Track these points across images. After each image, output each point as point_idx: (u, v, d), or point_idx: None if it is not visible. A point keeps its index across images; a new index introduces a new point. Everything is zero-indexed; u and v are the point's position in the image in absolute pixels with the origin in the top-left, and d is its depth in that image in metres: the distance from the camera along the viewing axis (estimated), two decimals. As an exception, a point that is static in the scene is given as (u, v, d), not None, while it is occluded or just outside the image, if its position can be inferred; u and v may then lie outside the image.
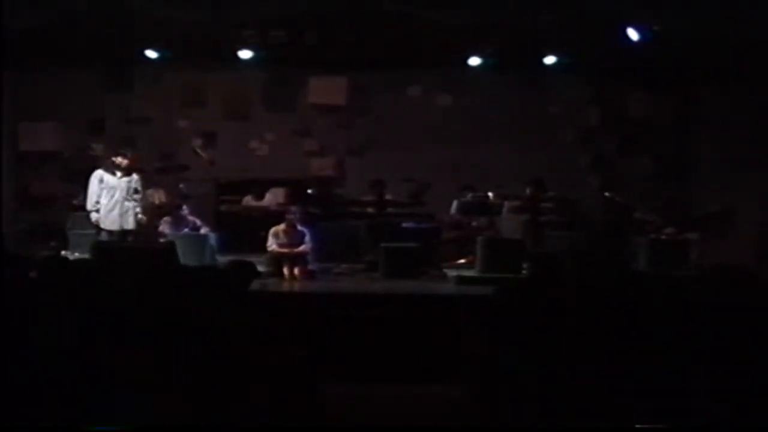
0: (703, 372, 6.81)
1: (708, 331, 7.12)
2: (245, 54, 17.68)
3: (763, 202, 16.77)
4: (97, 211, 13.96)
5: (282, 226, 14.45)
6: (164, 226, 15.36)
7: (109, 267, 9.93)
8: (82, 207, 15.65)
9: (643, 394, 6.68)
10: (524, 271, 13.45)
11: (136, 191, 14.18)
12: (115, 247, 13.54)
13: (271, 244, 14.31)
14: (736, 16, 14.39)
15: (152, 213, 15.50)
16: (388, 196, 16.19)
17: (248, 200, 17.51)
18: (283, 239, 14.31)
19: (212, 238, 15.13)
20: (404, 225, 15.93)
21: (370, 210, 16.19)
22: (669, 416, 6.57)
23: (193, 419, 6.20)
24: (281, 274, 13.85)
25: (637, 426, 6.53)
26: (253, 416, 6.47)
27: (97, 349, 6.51)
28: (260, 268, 13.00)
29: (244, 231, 15.91)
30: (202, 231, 15.31)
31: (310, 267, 14.17)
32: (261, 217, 16.33)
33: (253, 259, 11.09)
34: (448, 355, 9.08)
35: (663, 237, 15.48)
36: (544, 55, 18.09)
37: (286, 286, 13.32)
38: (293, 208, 15.04)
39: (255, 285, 8.76)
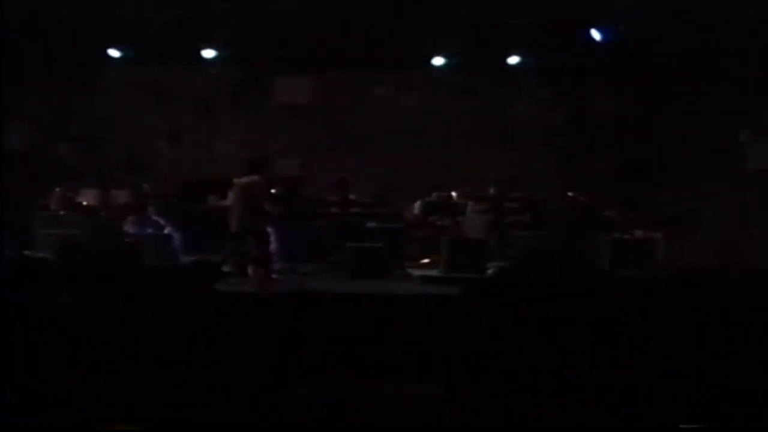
0: (669, 368, 6.88)
1: (672, 329, 7.20)
2: (209, 53, 17.65)
3: (727, 202, 16.90)
4: None
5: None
6: (128, 226, 15.26)
7: (73, 267, 9.88)
8: (47, 206, 15.60)
9: (610, 392, 6.75)
10: (489, 271, 13.50)
11: None
12: (79, 247, 13.44)
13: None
14: (698, 16, 14.51)
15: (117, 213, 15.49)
16: (352, 196, 16.19)
17: (213, 200, 17.42)
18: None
19: (176, 239, 15.06)
20: (369, 225, 15.92)
21: (334, 210, 16.18)
22: (637, 414, 6.65)
23: (161, 417, 6.20)
24: (245, 274, 13.77)
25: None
26: (218, 414, 6.47)
27: (59, 347, 6.50)
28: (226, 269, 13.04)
29: (209, 231, 15.79)
30: (166, 231, 15.23)
31: (274, 267, 14.10)
32: (226, 217, 16.21)
33: (217, 259, 11.09)
34: (413, 354, 9.11)
35: (627, 236, 15.54)
36: (508, 55, 18.17)
37: (250, 286, 13.25)
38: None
39: (218, 285, 8.77)
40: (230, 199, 16.84)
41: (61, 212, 15.61)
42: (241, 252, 13.74)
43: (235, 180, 13.94)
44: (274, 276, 13.67)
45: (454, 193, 16.58)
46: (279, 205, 14.82)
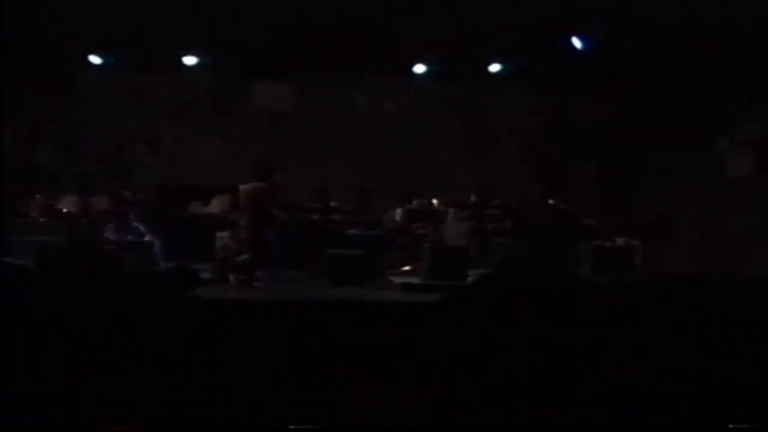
0: (650, 373, 6.91)
1: (650, 335, 7.22)
2: (190, 60, 17.64)
3: (707, 209, 16.95)
4: None
5: (227, 233, 14.37)
6: (108, 233, 15.20)
7: (52, 273, 9.85)
8: (27, 213, 15.54)
9: (590, 397, 6.77)
10: (469, 279, 13.50)
11: None
12: (58, 254, 13.37)
13: (217, 251, 14.22)
14: (678, 24, 14.56)
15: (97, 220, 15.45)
16: (333, 203, 16.18)
17: (195, 207, 17.38)
18: (228, 246, 14.22)
19: (157, 245, 15.01)
20: (350, 232, 15.92)
21: (315, 217, 16.16)
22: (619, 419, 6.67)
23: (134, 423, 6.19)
24: (226, 281, 13.73)
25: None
26: (200, 422, 6.46)
27: (38, 353, 6.48)
28: (206, 275, 13.00)
29: (191, 238, 15.73)
30: (146, 238, 15.18)
31: (256, 274, 14.05)
32: (208, 224, 16.14)
33: (198, 266, 11.04)
34: (393, 362, 9.10)
35: (607, 244, 15.58)
36: (489, 63, 18.21)
37: (230, 293, 13.19)
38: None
39: (198, 292, 8.74)
40: (212, 206, 16.89)
41: (41, 219, 15.57)
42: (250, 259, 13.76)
43: (241, 187, 13.92)
44: (254, 284, 13.64)
45: (435, 201, 16.59)
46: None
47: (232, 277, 13.69)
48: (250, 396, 7.05)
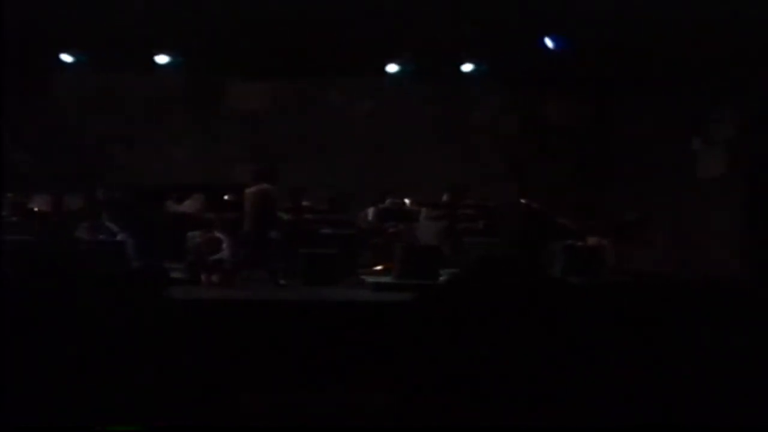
0: (620, 373, 6.95)
1: (623, 336, 7.27)
2: (162, 59, 17.60)
3: (679, 210, 17.02)
4: None
5: (199, 233, 14.36)
6: (81, 232, 15.13)
7: (24, 273, 9.84)
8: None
9: (562, 397, 6.80)
10: (441, 278, 13.52)
11: None
12: (31, 254, 13.33)
13: (189, 250, 14.20)
14: (651, 25, 14.61)
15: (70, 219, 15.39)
16: (306, 203, 16.16)
17: (169, 206, 17.31)
18: (200, 246, 14.21)
19: (130, 245, 14.95)
20: (323, 231, 15.89)
21: (288, 217, 16.13)
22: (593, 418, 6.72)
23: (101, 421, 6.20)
24: (199, 280, 13.72)
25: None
26: (169, 421, 6.47)
27: (8, 351, 6.49)
28: (178, 275, 12.98)
29: (164, 237, 15.67)
30: (119, 237, 15.12)
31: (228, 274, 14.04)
32: (181, 223, 16.08)
33: (172, 265, 11.00)
34: (364, 361, 9.12)
35: (579, 244, 15.62)
36: (462, 63, 18.23)
37: (201, 293, 13.16)
38: (211, 215, 14.97)
39: (168, 291, 8.74)
40: (186, 205, 16.84)
41: (13, 218, 15.49)
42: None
43: (246, 190, 14.01)
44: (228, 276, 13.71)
45: (407, 200, 16.60)
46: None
47: (204, 277, 13.70)
48: (220, 396, 7.06)
